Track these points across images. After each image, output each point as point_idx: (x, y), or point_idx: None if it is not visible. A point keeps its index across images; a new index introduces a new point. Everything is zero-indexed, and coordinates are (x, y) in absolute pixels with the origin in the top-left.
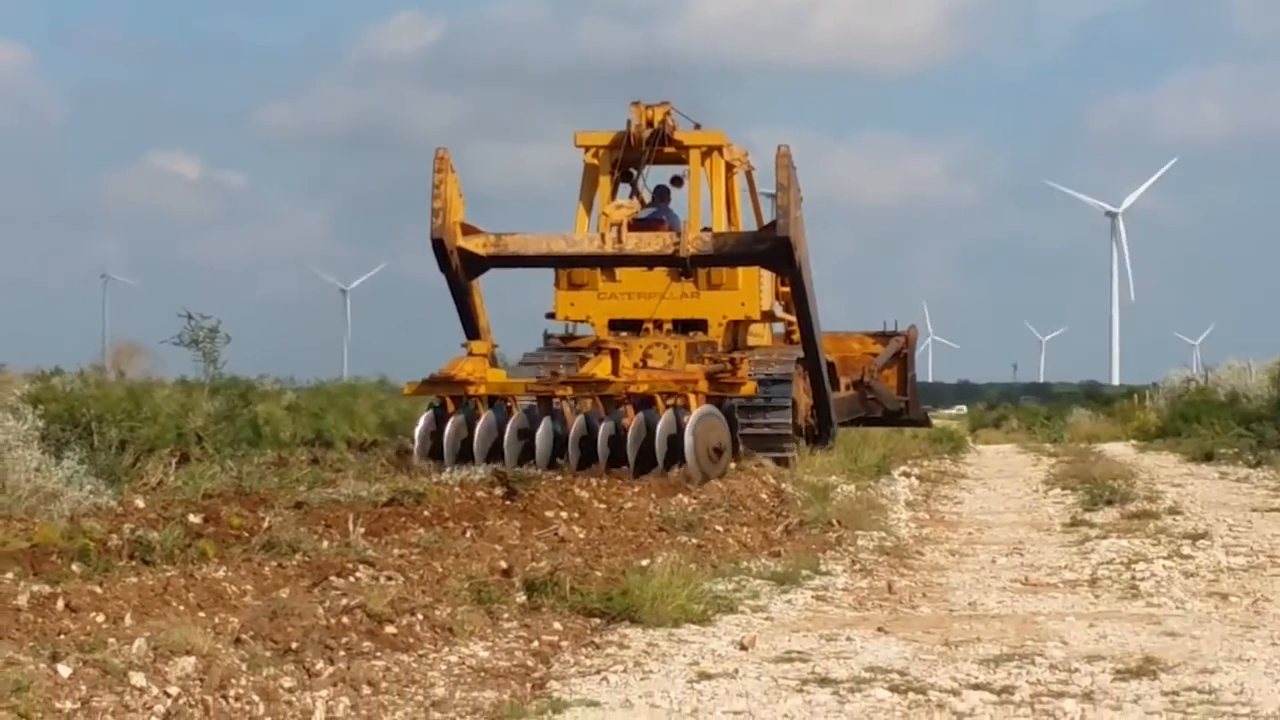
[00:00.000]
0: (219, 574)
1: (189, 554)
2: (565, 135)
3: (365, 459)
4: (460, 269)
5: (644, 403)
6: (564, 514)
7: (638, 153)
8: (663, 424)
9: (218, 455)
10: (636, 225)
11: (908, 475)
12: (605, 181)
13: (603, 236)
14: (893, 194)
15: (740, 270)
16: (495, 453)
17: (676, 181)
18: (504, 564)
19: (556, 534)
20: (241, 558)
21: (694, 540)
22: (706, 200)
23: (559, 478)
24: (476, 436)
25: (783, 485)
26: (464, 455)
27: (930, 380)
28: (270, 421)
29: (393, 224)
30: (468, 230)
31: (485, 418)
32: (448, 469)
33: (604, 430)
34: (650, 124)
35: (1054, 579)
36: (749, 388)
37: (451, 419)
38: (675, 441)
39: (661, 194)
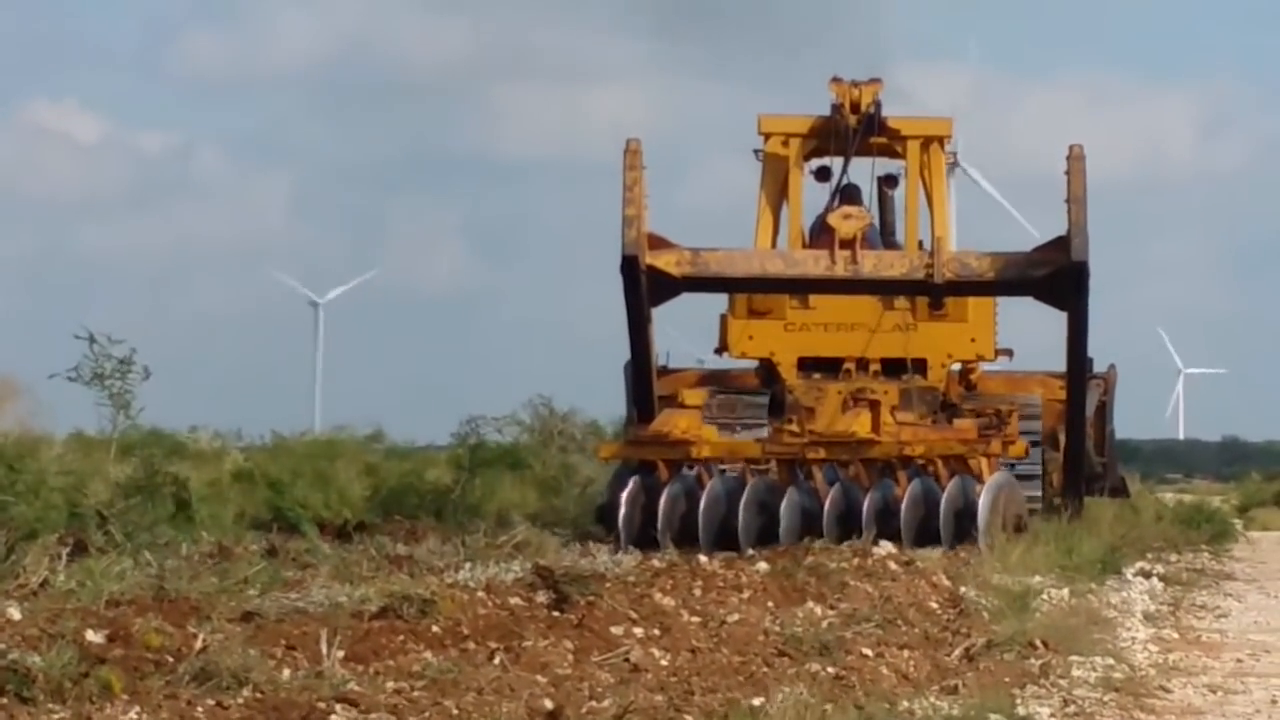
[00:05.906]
0: (129, 717)
1: (85, 687)
2: (633, 72)
3: (347, 551)
4: (646, 293)
5: (912, 467)
6: (638, 630)
7: (841, 143)
8: (948, 496)
9: (129, 544)
10: (816, 242)
11: (1146, 575)
12: (797, 177)
13: (832, 255)
14: (1111, 161)
15: (971, 297)
16: (725, 532)
17: (890, 181)
18: (549, 704)
19: (627, 660)
20: (163, 693)
21: (830, 669)
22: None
23: (631, 579)
24: (702, 510)
25: (961, 589)
26: (684, 535)
27: (1181, 437)
28: (207, 495)
29: (385, 207)
30: (655, 243)
31: (711, 487)
32: (662, 551)
33: (870, 504)
34: (856, 108)
35: None
36: (1018, 448)
37: (666, 489)
38: (964, 519)
39: (850, 195)
